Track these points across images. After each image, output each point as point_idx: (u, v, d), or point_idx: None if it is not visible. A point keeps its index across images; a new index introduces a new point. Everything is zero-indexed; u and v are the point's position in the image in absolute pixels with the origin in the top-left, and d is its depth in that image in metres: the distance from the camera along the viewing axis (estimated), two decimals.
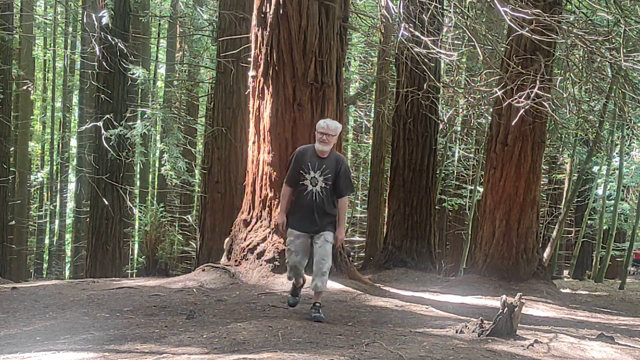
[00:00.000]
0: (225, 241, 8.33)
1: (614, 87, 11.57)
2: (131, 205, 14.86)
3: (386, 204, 14.56)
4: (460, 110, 13.70)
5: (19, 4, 18.61)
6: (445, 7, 11.62)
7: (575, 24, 9.51)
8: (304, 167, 5.76)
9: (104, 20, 13.48)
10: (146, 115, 13.78)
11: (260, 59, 7.89)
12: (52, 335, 4.96)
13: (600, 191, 20.22)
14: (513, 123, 9.37)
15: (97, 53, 13.90)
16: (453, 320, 6.15)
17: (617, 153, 18.22)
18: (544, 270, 11.09)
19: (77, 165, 21.25)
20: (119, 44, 13.49)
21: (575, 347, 5.09)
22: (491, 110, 11.28)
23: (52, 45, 23.64)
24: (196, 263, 12.33)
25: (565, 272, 22.01)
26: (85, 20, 15.18)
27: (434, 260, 13.49)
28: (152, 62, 21.34)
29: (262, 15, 7.86)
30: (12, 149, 18.06)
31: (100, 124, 13.54)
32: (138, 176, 20.95)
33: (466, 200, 20.04)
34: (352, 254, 19.29)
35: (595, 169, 19.85)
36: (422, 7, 9.41)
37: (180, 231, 17.87)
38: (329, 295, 7.04)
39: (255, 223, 7.82)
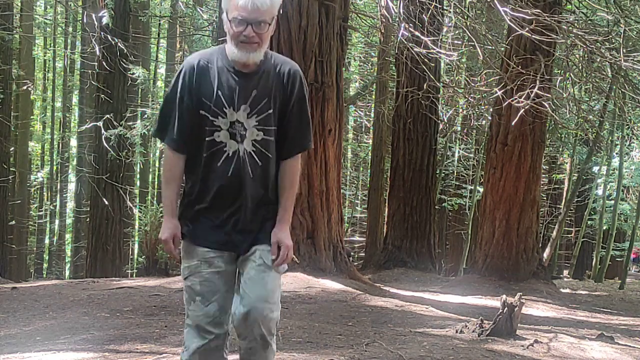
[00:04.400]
0: None
1: (614, 87, 11.57)
2: (131, 205, 14.86)
3: (386, 204, 14.55)
4: (460, 110, 13.71)
5: (19, 4, 18.59)
6: (445, 7, 11.62)
7: (575, 24, 9.51)
8: (205, 100, 2.66)
9: (104, 20, 13.47)
10: (146, 115, 13.78)
11: None
12: (52, 335, 4.96)
13: (600, 191, 20.21)
14: (513, 123, 9.37)
15: (97, 53, 13.89)
16: (453, 320, 6.15)
17: (617, 153, 18.21)
18: (544, 270, 11.09)
19: (77, 165, 21.23)
20: (119, 44, 13.48)
21: (575, 347, 5.09)
22: (491, 110, 11.28)
23: (52, 45, 23.63)
24: None
25: (565, 272, 21.99)
26: (85, 20, 15.17)
27: (434, 260, 13.50)
28: (152, 62, 21.34)
29: None
30: (12, 149, 18.05)
31: (100, 124, 13.54)
32: (138, 176, 20.94)
33: (466, 200, 20.04)
34: (352, 254, 19.29)
35: (595, 169, 19.84)
36: (422, 7, 9.41)
37: None
38: (328, 295, 7.04)
39: None
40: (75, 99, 24.56)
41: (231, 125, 2.66)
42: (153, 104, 16.08)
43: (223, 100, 2.66)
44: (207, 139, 2.68)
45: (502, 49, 10.39)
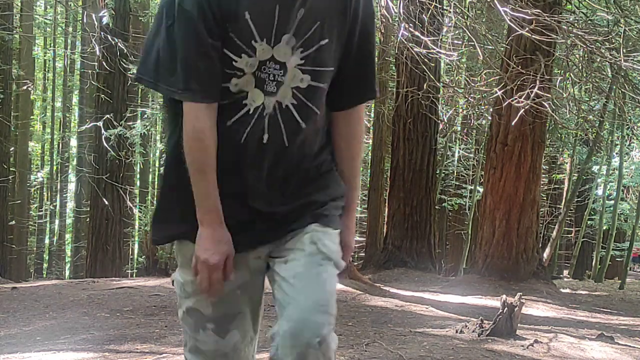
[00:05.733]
0: None
1: (614, 87, 11.57)
2: (131, 205, 14.86)
3: (386, 204, 14.55)
4: (460, 110, 13.71)
5: (19, 4, 18.59)
6: (445, 7, 11.62)
7: (575, 24, 9.50)
8: (229, 25, 1.66)
9: (104, 20, 13.47)
10: (146, 115, 13.79)
11: None
12: (52, 335, 4.96)
13: (600, 191, 20.21)
14: (513, 123, 9.37)
15: (97, 53, 13.89)
16: (453, 320, 6.15)
17: (617, 153, 18.21)
18: (544, 270, 11.09)
19: (77, 165, 21.23)
20: (119, 44, 13.48)
21: (575, 347, 5.09)
22: (491, 110, 11.27)
23: (52, 45, 23.63)
24: None
25: (565, 272, 22.00)
26: (85, 20, 15.17)
27: (434, 260, 13.50)
28: None
29: None
30: (12, 149, 18.05)
31: (100, 124, 13.55)
32: (138, 176, 20.95)
33: (466, 200, 20.04)
34: (352, 254, 19.25)
35: (595, 169, 19.85)
36: (422, 7, 9.41)
37: None
38: None
39: None
40: (75, 99, 24.56)
41: (260, 67, 1.70)
42: (153, 104, 16.08)
43: (253, 29, 1.67)
44: (222, 83, 1.73)
45: (502, 49, 10.39)
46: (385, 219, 14.49)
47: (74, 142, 23.86)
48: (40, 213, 24.66)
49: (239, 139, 1.73)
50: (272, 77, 1.71)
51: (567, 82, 10.50)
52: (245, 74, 1.70)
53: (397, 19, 9.68)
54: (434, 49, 8.50)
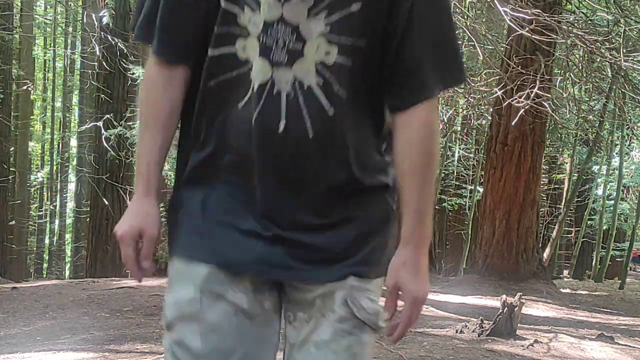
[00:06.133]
0: None
1: (614, 87, 11.57)
2: None
3: None
4: (460, 110, 13.71)
5: (19, 4, 18.58)
6: None
7: (575, 24, 9.50)
8: None
9: (104, 20, 13.47)
10: None
11: None
12: (52, 335, 4.96)
13: (600, 191, 20.22)
14: (513, 123, 9.37)
15: (97, 53, 13.89)
16: (453, 320, 6.15)
17: (617, 153, 18.22)
18: (544, 270, 11.10)
19: (77, 165, 21.24)
20: (119, 44, 13.48)
21: (575, 347, 5.10)
22: (491, 110, 11.28)
23: (52, 45, 23.63)
24: None
25: (565, 272, 22.00)
26: (85, 20, 15.18)
27: (434, 260, 13.51)
28: None
29: None
30: (12, 149, 18.06)
31: (100, 124, 13.55)
32: None
33: (466, 200, 20.04)
34: None
35: (595, 169, 19.86)
36: None
37: None
38: None
39: None
40: (75, 99, 24.56)
41: (266, 30, 1.30)
42: None
43: None
44: (215, 51, 1.35)
45: (502, 49, 10.39)
46: None
47: (74, 142, 23.86)
48: (40, 213, 24.66)
49: (247, 126, 1.32)
50: (282, 43, 1.29)
51: (567, 82, 10.50)
52: (250, 34, 1.30)
53: None
54: None
